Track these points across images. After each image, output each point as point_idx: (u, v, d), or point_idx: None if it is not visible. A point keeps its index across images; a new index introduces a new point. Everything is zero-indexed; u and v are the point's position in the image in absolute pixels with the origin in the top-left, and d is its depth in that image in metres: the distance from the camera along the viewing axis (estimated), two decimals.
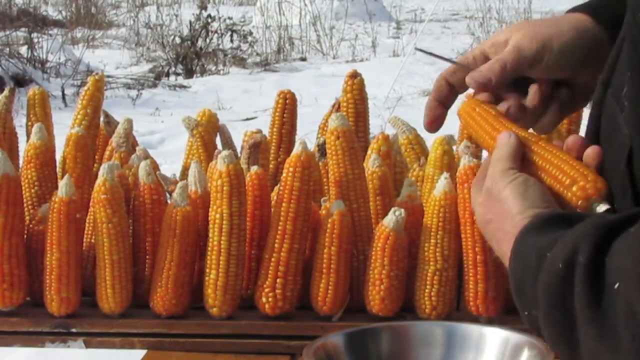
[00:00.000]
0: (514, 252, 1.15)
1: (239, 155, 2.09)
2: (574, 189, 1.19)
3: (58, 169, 2.08)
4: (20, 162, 2.07)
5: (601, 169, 1.23)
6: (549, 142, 1.29)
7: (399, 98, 8.45)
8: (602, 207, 1.17)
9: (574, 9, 1.42)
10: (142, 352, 1.85)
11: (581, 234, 1.05)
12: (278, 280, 1.83)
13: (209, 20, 10.70)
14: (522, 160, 1.26)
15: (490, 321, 1.77)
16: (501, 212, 1.21)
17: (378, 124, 5.71)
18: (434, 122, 1.42)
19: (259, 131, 2.12)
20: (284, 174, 1.83)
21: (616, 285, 0.97)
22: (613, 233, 1.02)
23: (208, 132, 2.15)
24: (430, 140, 2.03)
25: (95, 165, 2.15)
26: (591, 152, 1.24)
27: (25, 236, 1.91)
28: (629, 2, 1.15)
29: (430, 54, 1.59)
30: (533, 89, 1.40)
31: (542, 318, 1.08)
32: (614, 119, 1.20)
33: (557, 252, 1.06)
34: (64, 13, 13.79)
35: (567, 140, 1.28)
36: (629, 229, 1.00)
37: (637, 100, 1.14)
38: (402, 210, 1.79)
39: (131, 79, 9.87)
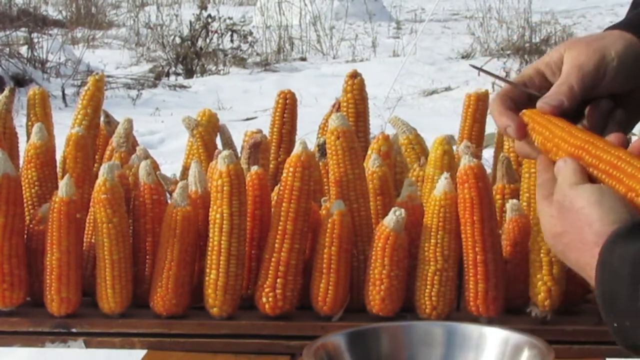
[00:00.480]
0: (603, 261, 1.11)
1: (239, 155, 2.09)
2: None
3: (58, 169, 2.08)
4: (21, 162, 2.07)
5: None
6: (615, 146, 1.26)
7: (399, 98, 8.46)
8: None
9: (611, 28, 1.42)
10: (142, 352, 1.85)
11: None
12: (278, 280, 1.83)
13: (209, 20, 10.70)
14: (589, 175, 1.24)
15: (491, 321, 1.77)
16: (577, 222, 1.18)
17: (378, 124, 5.71)
18: (521, 128, 1.37)
19: (259, 131, 2.12)
20: (284, 174, 1.83)
21: None
22: None
23: (208, 132, 2.15)
24: (430, 140, 2.03)
25: (96, 165, 2.15)
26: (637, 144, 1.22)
27: (25, 236, 1.91)
28: None
29: (489, 73, 1.57)
30: (589, 110, 1.39)
31: None
32: None
33: None
34: (64, 13, 13.80)
35: (633, 144, 1.26)
36: None
37: None
38: (402, 210, 1.79)
39: (131, 79, 9.87)
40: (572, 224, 1.20)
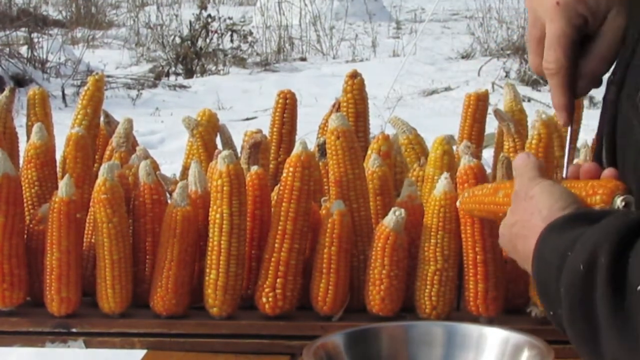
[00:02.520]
0: (537, 252, 1.14)
1: (239, 155, 2.09)
2: (597, 195, 1.19)
3: (58, 169, 2.08)
4: (21, 162, 2.07)
5: (620, 173, 1.22)
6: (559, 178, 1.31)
7: (399, 98, 8.45)
8: (623, 199, 1.16)
9: None
10: (142, 352, 1.85)
11: (602, 234, 1.04)
12: (278, 280, 1.83)
13: (209, 20, 10.70)
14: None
15: (490, 321, 1.77)
16: (528, 209, 1.20)
17: (378, 124, 5.71)
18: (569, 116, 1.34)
19: (259, 131, 2.12)
20: (284, 174, 1.83)
21: (639, 288, 0.96)
22: (634, 233, 1.01)
23: (208, 132, 2.15)
24: (430, 140, 2.03)
25: (96, 165, 2.14)
26: (608, 173, 1.24)
27: (25, 236, 1.91)
28: None
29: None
30: None
31: (566, 319, 1.08)
32: (629, 122, 1.18)
33: (578, 252, 1.05)
34: (64, 13, 13.79)
35: (583, 166, 1.27)
36: None
37: None
38: (402, 210, 1.79)
39: (131, 79, 9.87)
40: (523, 212, 1.21)
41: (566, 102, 1.31)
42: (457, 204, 1.48)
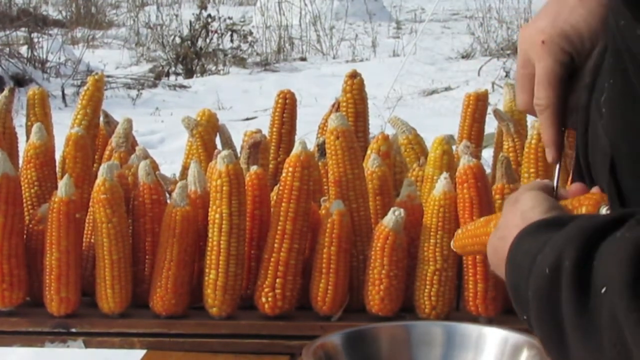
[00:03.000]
0: (510, 255, 1.14)
1: (239, 155, 2.09)
2: (583, 206, 1.21)
3: (58, 169, 2.08)
4: (20, 162, 2.07)
5: (593, 176, 1.23)
6: None
7: (399, 98, 8.45)
8: (608, 209, 1.17)
9: None
10: (142, 352, 1.85)
11: (568, 237, 1.04)
12: (278, 280, 1.83)
13: (209, 20, 10.69)
14: None
15: (490, 321, 1.77)
16: (512, 211, 1.21)
17: (378, 124, 5.71)
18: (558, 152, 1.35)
19: (259, 131, 2.12)
20: (284, 174, 1.83)
21: (603, 290, 0.97)
22: (599, 235, 1.01)
23: (208, 132, 2.15)
24: (430, 140, 2.03)
25: (95, 165, 2.14)
26: (594, 190, 1.25)
27: (24, 236, 1.91)
28: (610, 8, 1.14)
29: None
30: None
31: (534, 321, 1.09)
32: (596, 126, 1.19)
33: (545, 256, 1.06)
34: (64, 13, 13.79)
35: (570, 187, 1.28)
36: (615, 231, 1.00)
37: (615, 108, 1.12)
38: (402, 210, 1.79)
39: (131, 79, 9.87)
40: (507, 214, 1.22)
41: (555, 138, 1.33)
42: (452, 243, 1.51)
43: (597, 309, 0.98)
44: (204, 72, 10.60)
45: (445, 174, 1.82)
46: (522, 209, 1.20)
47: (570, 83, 1.31)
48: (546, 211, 1.18)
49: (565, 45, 1.28)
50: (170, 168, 2.93)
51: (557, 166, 1.36)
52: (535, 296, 1.07)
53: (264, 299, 1.83)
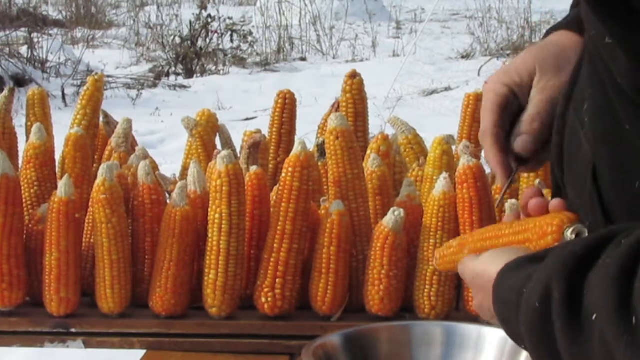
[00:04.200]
0: (495, 293, 1.16)
1: (239, 155, 2.09)
2: (548, 236, 1.22)
3: (57, 169, 2.08)
4: (20, 162, 2.07)
5: (568, 185, 1.24)
6: (511, 222, 1.33)
7: (399, 98, 8.45)
8: (572, 231, 1.19)
9: (555, 27, 1.45)
10: (142, 352, 1.85)
11: (552, 269, 1.05)
12: (277, 280, 1.83)
13: (209, 20, 10.69)
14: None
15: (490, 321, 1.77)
16: (484, 283, 1.23)
17: (378, 124, 5.71)
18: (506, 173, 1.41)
19: (259, 131, 2.12)
20: (283, 174, 1.83)
21: (593, 317, 0.98)
22: (583, 264, 1.02)
23: (207, 132, 2.15)
24: (430, 140, 2.03)
25: (95, 165, 2.15)
26: (556, 204, 1.26)
27: (24, 236, 1.91)
28: (584, 21, 1.16)
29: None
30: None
31: (531, 353, 1.10)
32: (576, 134, 1.21)
33: (532, 291, 1.07)
34: (64, 13, 13.79)
35: (529, 204, 1.30)
36: (596, 258, 1.01)
37: (597, 117, 1.14)
38: (402, 210, 1.79)
39: (131, 79, 9.87)
40: (482, 288, 1.24)
41: (499, 159, 1.40)
42: (434, 263, 1.52)
43: (589, 336, 0.99)
44: (204, 72, 10.60)
45: (444, 174, 1.82)
46: (491, 272, 1.20)
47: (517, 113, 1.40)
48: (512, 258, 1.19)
49: (504, 79, 1.41)
50: (170, 168, 2.93)
51: (505, 187, 1.40)
52: (528, 330, 1.08)
53: (263, 299, 1.83)
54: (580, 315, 1.00)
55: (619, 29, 1.03)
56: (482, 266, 1.25)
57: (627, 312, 0.94)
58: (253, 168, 1.90)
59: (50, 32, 11.52)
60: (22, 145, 2.12)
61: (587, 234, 1.19)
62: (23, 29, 10.36)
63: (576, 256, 1.04)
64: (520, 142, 1.38)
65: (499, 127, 1.39)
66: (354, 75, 2.15)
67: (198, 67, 10.65)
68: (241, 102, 8.79)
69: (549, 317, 1.03)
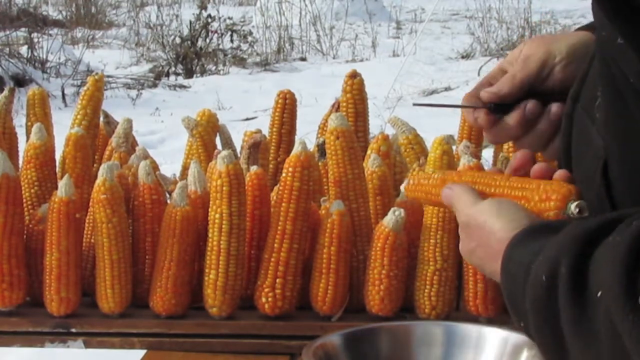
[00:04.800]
0: (503, 267, 1.16)
1: (239, 155, 2.09)
2: (551, 201, 1.22)
3: (58, 169, 2.08)
4: (20, 162, 2.07)
5: (576, 183, 1.25)
6: (492, 174, 1.35)
7: (399, 98, 8.45)
8: (576, 205, 1.19)
9: (582, 28, 1.47)
10: (142, 352, 1.85)
11: (561, 245, 1.06)
12: (278, 280, 1.83)
13: (209, 20, 10.70)
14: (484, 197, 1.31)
15: (490, 321, 1.77)
16: (483, 235, 1.24)
17: (378, 124, 5.71)
18: (488, 115, 1.46)
19: (259, 131, 2.12)
20: (284, 174, 1.83)
21: (598, 294, 0.98)
22: (592, 242, 1.03)
23: (208, 132, 2.15)
24: (430, 140, 2.03)
25: (95, 165, 2.14)
26: (561, 174, 1.28)
27: (24, 236, 1.91)
28: (595, 21, 1.18)
29: (429, 105, 1.66)
30: (529, 103, 1.44)
31: (533, 329, 1.10)
32: (586, 132, 1.22)
33: (540, 265, 1.07)
34: (64, 13, 13.79)
35: (534, 167, 1.32)
36: (607, 237, 1.01)
37: (609, 113, 1.16)
38: (402, 210, 1.79)
39: (131, 79, 9.87)
40: (480, 239, 1.25)
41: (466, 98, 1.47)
42: (402, 187, 1.51)
43: (594, 315, 0.99)
44: (204, 72, 10.60)
45: None
46: (493, 230, 1.22)
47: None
48: (517, 227, 1.20)
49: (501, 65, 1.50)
50: (170, 168, 2.93)
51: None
52: (533, 305, 1.08)
53: (264, 299, 1.83)
54: (586, 292, 1.00)
55: (629, 29, 1.03)
56: (483, 217, 1.25)
57: (634, 291, 0.94)
58: (253, 168, 1.90)
59: (50, 32, 11.52)
60: (22, 145, 2.12)
61: (587, 214, 1.20)
62: (23, 29, 10.37)
63: (587, 233, 1.04)
64: (483, 91, 1.45)
65: (475, 95, 1.47)
66: (354, 75, 2.15)
67: (198, 67, 10.65)
68: (241, 102, 8.79)
69: (554, 293, 1.04)
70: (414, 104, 1.62)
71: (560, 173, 1.28)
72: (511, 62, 1.47)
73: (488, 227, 1.23)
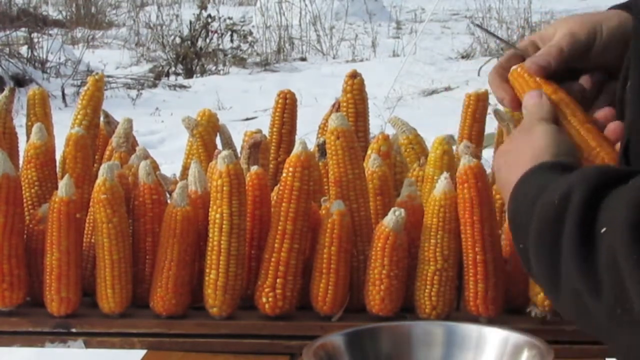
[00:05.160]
0: (519, 183, 1.18)
1: (239, 155, 2.09)
2: (599, 158, 1.23)
3: (58, 169, 2.08)
4: (20, 162, 2.07)
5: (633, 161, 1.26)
6: (581, 110, 1.34)
7: (399, 98, 8.46)
8: None
9: (612, 8, 1.48)
10: (142, 352, 1.85)
11: (582, 176, 1.07)
12: (278, 280, 1.83)
13: (209, 20, 10.70)
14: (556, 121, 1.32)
15: (490, 321, 1.77)
16: (525, 143, 1.25)
17: (378, 124, 5.71)
18: (515, 100, 1.44)
19: (259, 131, 2.12)
20: (284, 174, 1.83)
21: (602, 230, 0.99)
22: (612, 181, 1.04)
23: (208, 132, 2.15)
24: (430, 140, 2.03)
25: (95, 165, 2.14)
26: (613, 127, 1.30)
27: (25, 236, 1.91)
28: (633, 6, 1.19)
29: (487, 31, 1.65)
30: (584, 78, 1.44)
31: (531, 250, 1.11)
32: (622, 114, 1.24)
33: (556, 188, 1.09)
34: (64, 13, 13.80)
35: (610, 125, 1.33)
36: (626, 182, 1.03)
37: (635, 96, 1.18)
38: (402, 210, 1.79)
39: (131, 79, 9.87)
40: (519, 144, 1.27)
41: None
42: (512, 68, 1.50)
43: (597, 248, 1.00)
44: (204, 72, 10.61)
45: (445, 174, 1.82)
46: (535, 144, 1.23)
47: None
48: (558, 154, 1.21)
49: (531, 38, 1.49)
50: (170, 168, 2.92)
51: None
52: (538, 226, 1.09)
53: (264, 299, 1.83)
54: (595, 224, 1.01)
55: None
56: (540, 131, 1.27)
57: None
58: (254, 168, 1.90)
59: (50, 32, 11.53)
60: (22, 145, 2.12)
61: None
62: (23, 29, 10.37)
63: (609, 174, 1.06)
64: (529, 60, 1.42)
65: (504, 67, 1.46)
66: (354, 75, 2.15)
67: (198, 67, 10.66)
68: (241, 102, 8.80)
69: (562, 217, 1.04)
70: (472, 23, 1.63)
71: (613, 126, 1.30)
72: (542, 40, 1.45)
73: (534, 139, 1.24)
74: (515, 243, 1.17)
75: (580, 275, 1.02)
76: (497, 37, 1.69)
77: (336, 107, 2.17)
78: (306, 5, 12.72)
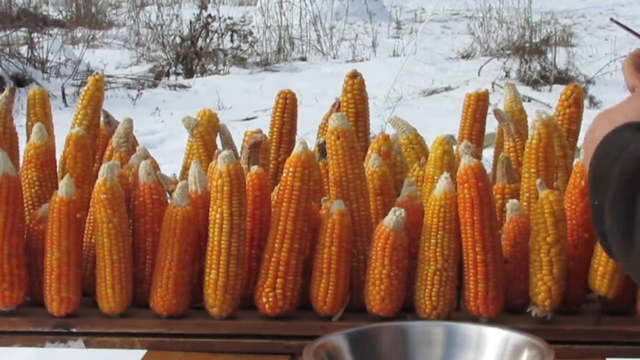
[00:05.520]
0: (605, 139, 1.18)
1: (239, 155, 2.09)
2: None
3: (58, 169, 2.08)
4: (21, 162, 2.07)
5: None
6: None
7: (399, 98, 8.46)
8: None
9: None
10: (142, 352, 1.85)
11: None
12: (278, 280, 1.83)
13: (209, 20, 10.70)
14: None
15: (491, 321, 1.77)
16: (626, 103, 1.27)
17: (378, 124, 5.71)
18: None
19: (259, 131, 2.12)
20: (284, 174, 1.83)
21: None
22: None
23: (208, 132, 2.15)
24: (431, 140, 2.03)
25: (95, 165, 2.14)
26: None
27: (25, 236, 1.91)
28: None
29: (627, 28, 1.66)
30: None
31: (608, 207, 1.11)
32: None
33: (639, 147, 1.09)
34: (64, 13, 13.80)
35: None
36: None
37: None
38: (402, 210, 1.79)
39: (131, 79, 9.87)
40: (622, 104, 1.28)
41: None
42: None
43: None
44: (204, 72, 10.61)
45: (445, 174, 1.82)
46: (634, 104, 1.25)
47: None
48: None
49: None
50: (170, 168, 2.92)
51: None
52: (617, 183, 1.09)
53: (264, 299, 1.83)
54: None
55: None
56: (635, 102, 1.29)
57: None
58: (254, 168, 1.90)
59: (50, 32, 11.53)
60: (22, 145, 2.12)
61: None
62: (23, 29, 10.37)
63: None
64: None
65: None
66: (354, 75, 2.15)
67: (198, 67, 10.66)
68: (241, 102, 8.80)
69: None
70: (611, 19, 1.63)
71: None
72: None
73: (634, 99, 1.26)
74: (591, 199, 1.17)
75: None
76: (634, 33, 1.70)
77: (336, 107, 2.17)
78: (306, 5, 12.72)
